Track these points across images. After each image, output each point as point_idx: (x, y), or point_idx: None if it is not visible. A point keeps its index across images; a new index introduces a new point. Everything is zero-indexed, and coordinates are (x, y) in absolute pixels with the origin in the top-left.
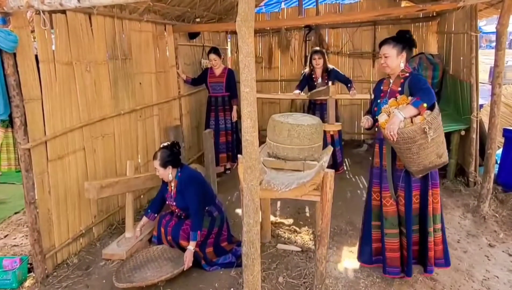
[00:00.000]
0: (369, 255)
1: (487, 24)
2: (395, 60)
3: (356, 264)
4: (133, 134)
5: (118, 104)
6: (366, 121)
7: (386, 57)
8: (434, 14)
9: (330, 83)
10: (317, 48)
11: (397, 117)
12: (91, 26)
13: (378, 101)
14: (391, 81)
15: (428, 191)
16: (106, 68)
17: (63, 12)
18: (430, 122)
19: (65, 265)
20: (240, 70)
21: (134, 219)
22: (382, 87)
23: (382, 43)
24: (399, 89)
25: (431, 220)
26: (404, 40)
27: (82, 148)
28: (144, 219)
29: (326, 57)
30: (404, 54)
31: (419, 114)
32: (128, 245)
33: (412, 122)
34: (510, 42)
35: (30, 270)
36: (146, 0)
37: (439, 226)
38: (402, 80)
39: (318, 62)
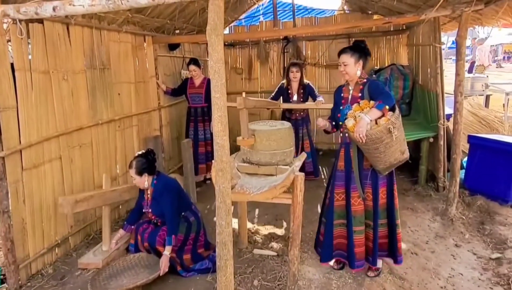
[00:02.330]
0: (330, 252)
1: None
2: (353, 68)
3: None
4: (112, 144)
5: (96, 113)
6: (322, 121)
7: (345, 65)
8: (404, 28)
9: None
10: (295, 60)
11: (364, 120)
12: (69, 36)
13: (341, 108)
14: (351, 88)
15: (393, 186)
16: (84, 77)
17: (41, 21)
18: (394, 122)
19: (39, 275)
20: (211, 76)
21: (112, 231)
22: (342, 94)
23: (340, 52)
24: (360, 95)
25: (398, 213)
26: (360, 50)
27: (58, 157)
28: (121, 231)
29: (303, 70)
30: (361, 62)
31: (383, 115)
32: (105, 254)
33: (376, 123)
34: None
35: (3, 281)
36: (124, 10)
37: (399, 221)
38: (361, 87)
39: (295, 75)
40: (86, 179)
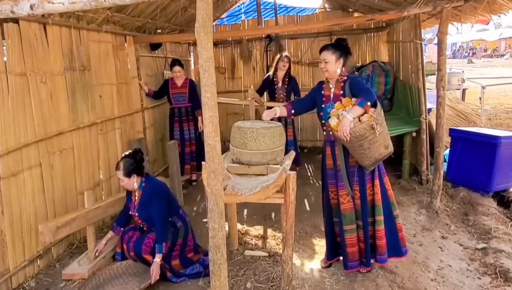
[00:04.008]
0: (334, 251)
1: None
2: (333, 66)
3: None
4: (94, 149)
5: (76, 117)
6: (268, 114)
7: (326, 62)
8: (384, 25)
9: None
10: (286, 53)
11: (347, 118)
12: (46, 36)
13: (323, 106)
14: (331, 86)
15: (375, 181)
16: (63, 79)
17: (16, 21)
18: (376, 118)
19: (21, 289)
20: (200, 75)
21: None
22: (323, 92)
23: (322, 49)
24: (342, 92)
25: (380, 210)
26: (341, 48)
27: (38, 164)
28: (110, 233)
29: (291, 64)
30: (341, 61)
31: (365, 112)
32: (90, 263)
33: (360, 120)
34: (454, 51)
35: None
36: (103, 9)
37: (397, 212)
38: (342, 84)
39: (285, 65)
40: (68, 186)
